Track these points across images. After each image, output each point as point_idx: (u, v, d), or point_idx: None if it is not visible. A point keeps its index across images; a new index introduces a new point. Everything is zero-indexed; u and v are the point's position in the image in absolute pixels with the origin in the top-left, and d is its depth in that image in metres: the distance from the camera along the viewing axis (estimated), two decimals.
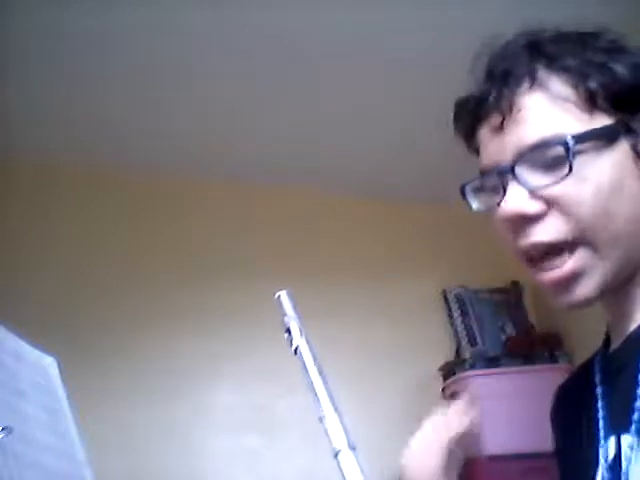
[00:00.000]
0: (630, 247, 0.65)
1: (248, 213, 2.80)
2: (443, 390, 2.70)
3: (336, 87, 2.31)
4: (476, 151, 0.73)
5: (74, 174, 2.55)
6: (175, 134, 2.49)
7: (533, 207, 0.64)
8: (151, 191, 2.67)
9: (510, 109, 0.65)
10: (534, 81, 0.65)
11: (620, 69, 0.64)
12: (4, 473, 0.58)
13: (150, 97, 2.29)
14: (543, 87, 0.65)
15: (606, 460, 0.66)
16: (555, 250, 0.65)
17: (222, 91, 2.28)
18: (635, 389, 0.64)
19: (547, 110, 0.64)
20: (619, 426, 0.65)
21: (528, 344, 2.74)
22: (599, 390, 0.71)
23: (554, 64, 0.65)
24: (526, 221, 0.65)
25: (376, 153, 2.70)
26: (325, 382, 0.71)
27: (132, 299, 2.50)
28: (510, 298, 2.94)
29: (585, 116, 0.64)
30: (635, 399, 0.63)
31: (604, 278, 0.65)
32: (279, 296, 0.80)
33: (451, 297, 2.90)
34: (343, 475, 0.60)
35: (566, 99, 0.64)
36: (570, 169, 0.62)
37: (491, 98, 0.66)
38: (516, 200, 0.65)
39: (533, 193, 0.64)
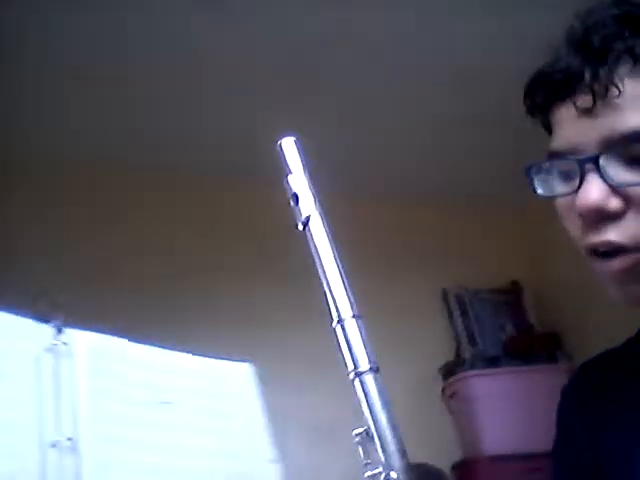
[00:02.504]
0: None
1: (248, 213, 2.79)
2: (443, 390, 2.70)
3: (337, 87, 2.31)
4: (546, 127, 0.67)
5: (75, 172, 2.55)
6: (183, 133, 2.49)
7: (613, 204, 0.59)
8: (152, 189, 2.67)
9: (606, 91, 0.57)
10: (636, 62, 0.57)
11: None
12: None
13: (151, 97, 2.29)
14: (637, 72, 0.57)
15: None
16: (626, 251, 0.60)
17: (224, 90, 2.28)
18: None
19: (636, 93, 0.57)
20: None
21: (528, 344, 2.74)
22: None
23: None
24: (602, 217, 0.59)
25: (376, 153, 2.70)
26: (342, 274, 0.59)
27: (132, 299, 2.50)
28: (510, 298, 2.94)
29: None
30: None
31: None
32: (281, 146, 0.60)
33: (451, 297, 2.90)
34: (348, 341, 0.56)
35: None
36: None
37: (586, 75, 0.59)
38: (597, 194, 0.58)
39: (615, 189, 0.58)
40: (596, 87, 0.58)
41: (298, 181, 0.59)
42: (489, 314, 2.88)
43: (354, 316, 0.58)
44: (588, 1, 0.63)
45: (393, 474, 0.50)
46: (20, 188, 2.42)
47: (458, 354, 2.79)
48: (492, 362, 2.66)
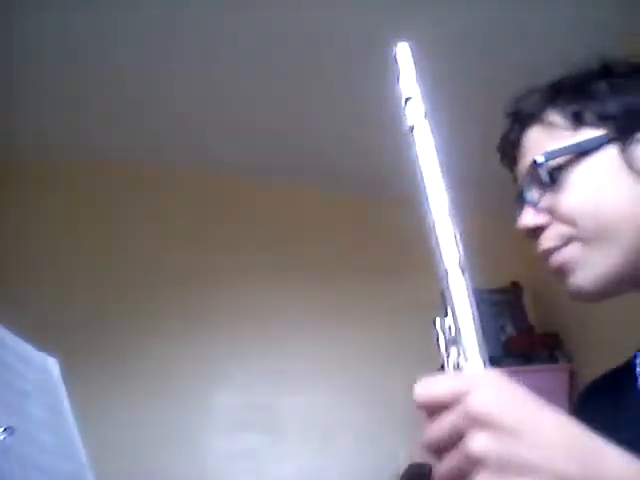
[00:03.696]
0: (625, 242, 0.71)
1: (250, 214, 2.80)
2: None
3: (343, 87, 2.31)
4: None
5: (74, 173, 2.56)
6: (184, 131, 2.49)
7: (535, 220, 0.75)
8: (154, 191, 2.67)
9: (522, 138, 0.79)
10: (536, 118, 0.77)
11: (603, 89, 0.75)
12: (7, 474, 0.58)
13: (151, 97, 2.29)
14: (542, 121, 0.77)
15: None
16: (555, 251, 0.75)
17: (227, 90, 2.28)
18: None
19: (540, 138, 0.76)
20: None
21: (528, 344, 2.74)
22: None
23: (555, 101, 0.77)
24: (535, 232, 0.76)
25: (377, 153, 2.70)
26: (445, 183, 0.59)
27: (133, 300, 2.50)
28: (510, 298, 2.94)
29: (569, 134, 0.74)
30: None
31: (596, 271, 0.72)
32: (396, 51, 0.59)
33: None
34: (451, 297, 0.56)
35: (556, 125, 0.75)
36: (551, 181, 0.73)
37: (515, 133, 0.80)
38: (524, 216, 0.76)
39: (536, 208, 0.75)
40: (517, 139, 0.79)
41: (409, 85, 0.58)
42: (489, 314, 2.88)
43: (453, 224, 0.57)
44: None
45: (473, 365, 0.53)
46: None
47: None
48: (492, 362, 2.65)
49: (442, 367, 0.57)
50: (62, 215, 2.54)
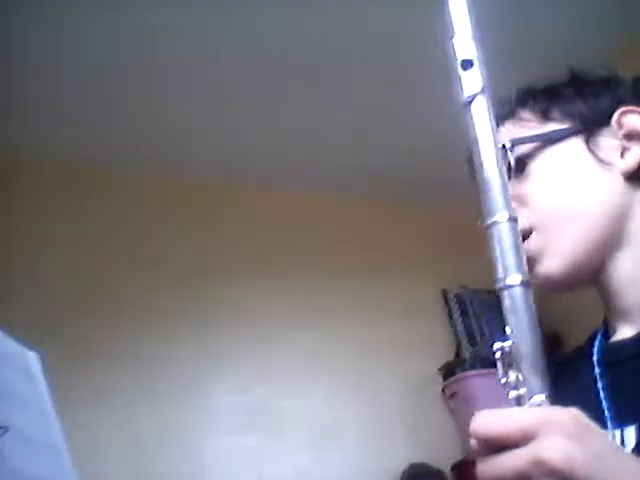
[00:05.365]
0: (588, 229, 0.73)
1: (249, 214, 2.80)
2: (443, 390, 2.70)
3: (340, 89, 2.31)
4: None
5: (74, 173, 2.55)
6: (179, 134, 2.49)
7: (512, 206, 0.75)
8: (152, 191, 2.67)
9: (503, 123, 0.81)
10: (508, 115, 0.81)
11: (570, 92, 0.79)
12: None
13: (152, 98, 2.29)
14: (513, 117, 0.81)
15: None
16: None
17: (226, 91, 2.28)
18: None
19: (510, 130, 0.79)
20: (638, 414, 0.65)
21: None
22: (599, 383, 0.72)
23: (525, 102, 0.81)
24: None
25: (377, 154, 2.70)
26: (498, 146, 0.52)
27: (132, 299, 2.50)
28: None
29: (537, 126, 0.77)
30: None
31: (563, 258, 0.73)
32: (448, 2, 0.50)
33: (451, 297, 2.90)
34: (515, 312, 0.49)
35: (525, 119, 0.79)
36: (517, 169, 0.75)
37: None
38: None
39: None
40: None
41: (468, 45, 0.49)
42: (489, 314, 2.88)
43: (510, 219, 0.51)
44: None
45: (538, 397, 0.47)
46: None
47: (458, 354, 2.79)
48: (492, 362, 2.66)
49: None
50: (59, 212, 2.54)
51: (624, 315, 0.74)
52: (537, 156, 0.76)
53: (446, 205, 2.95)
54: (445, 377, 2.71)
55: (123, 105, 2.30)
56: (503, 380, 0.50)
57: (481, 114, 0.51)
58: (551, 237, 0.74)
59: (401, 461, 2.48)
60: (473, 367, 2.62)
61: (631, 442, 0.65)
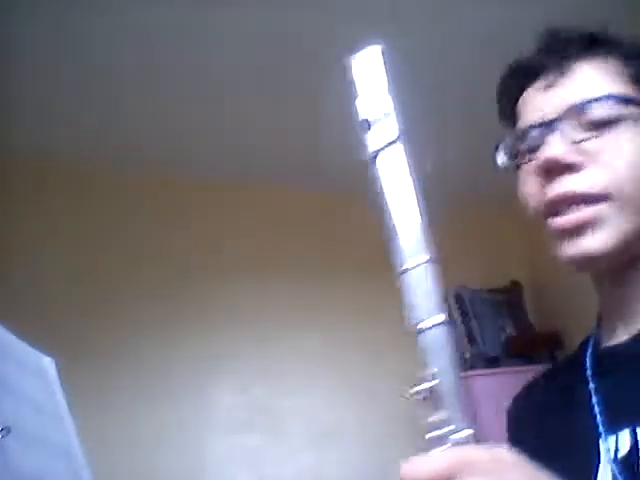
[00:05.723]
0: None
1: (249, 214, 2.80)
2: None
3: (336, 87, 2.30)
4: (510, 120, 0.76)
5: (75, 173, 2.55)
6: (179, 134, 2.49)
7: (573, 157, 0.66)
8: (152, 191, 2.67)
9: (567, 67, 0.70)
10: (593, 52, 0.70)
11: None
12: (2, 475, 0.58)
13: (152, 98, 2.29)
14: (600, 58, 0.70)
15: (615, 456, 0.64)
16: (583, 202, 0.66)
17: (226, 91, 2.28)
18: None
19: (600, 75, 0.69)
20: (634, 418, 0.64)
21: (528, 344, 2.74)
22: (592, 386, 0.70)
23: (608, 45, 0.71)
24: (563, 170, 0.66)
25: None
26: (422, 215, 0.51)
27: (132, 299, 2.50)
28: (510, 298, 2.94)
29: (631, 88, 0.68)
30: None
31: (618, 236, 0.65)
32: (358, 57, 0.48)
33: (451, 297, 2.90)
34: (432, 356, 0.50)
35: (618, 72, 0.69)
36: (615, 125, 0.66)
37: (552, 58, 0.71)
38: (557, 147, 0.66)
39: (575, 146, 0.66)
40: (558, 65, 0.70)
41: (379, 97, 0.48)
42: (489, 314, 2.88)
43: (429, 260, 0.52)
44: None
45: (464, 433, 0.48)
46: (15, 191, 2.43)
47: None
48: (492, 362, 2.66)
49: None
50: (59, 212, 2.54)
51: (631, 317, 0.70)
52: (632, 121, 0.66)
53: (446, 205, 2.95)
54: None
55: (123, 105, 2.30)
56: (429, 420, 0.50)
57: (392, 165, 0.52)
58: (620, 211, 0.65)
59: (401, 461, 2.48)
60: (473, 367, 2.62)
61: (625, 446, 0.64)
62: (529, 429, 0.79)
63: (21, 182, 2.44)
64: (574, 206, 0.66)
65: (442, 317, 0.51)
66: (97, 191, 2.60)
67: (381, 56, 0.48)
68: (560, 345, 2.72)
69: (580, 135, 0.66)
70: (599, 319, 0.78)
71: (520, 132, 0.72)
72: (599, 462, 0.66)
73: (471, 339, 2.81)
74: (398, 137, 0.49)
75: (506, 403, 0.85)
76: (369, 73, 0.48)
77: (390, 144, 0.49)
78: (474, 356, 2.71)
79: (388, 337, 2.76)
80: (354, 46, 0.50)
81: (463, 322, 2.85)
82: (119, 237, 2.57)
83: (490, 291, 2.92)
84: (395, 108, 0.48)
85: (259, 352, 2.60)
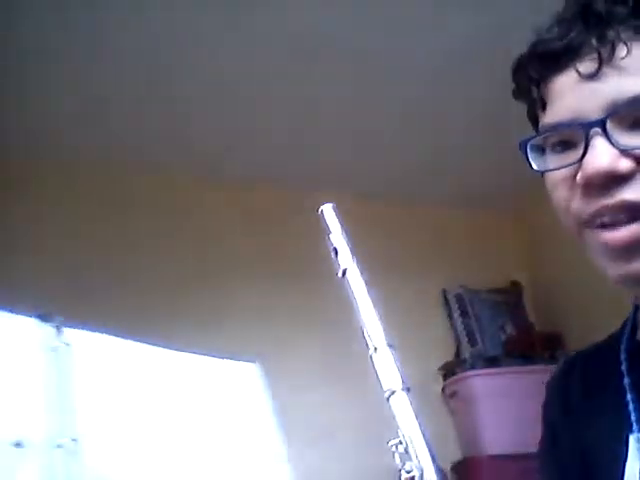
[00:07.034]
0: None
1: (249, 214, 2.80)
2: (443, 390, 2.70)
3: (342, 89, 2.31)
4: (531, 107, 0.66)
5: (74, 173, 2.55)
6: (184, 135, 2.49)
7: (624, 165, 0.56)
8: (152, 187, 2.67)
9: (612, 54, 0.56)
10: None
11: None
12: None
13: (152, 98, 2.29)
14: None
15: None
16: (635, 214, 0.57)
17: (226, 91, 2.29)
18: None
19: None
20: None
21: (528, 344, 2.74)
22: (627, 381, 0.68)
23: None
24: (613, 181, 0.56)
25: (377, 153, 2.70)
26: (376, 313, 0.70)
27: (131, 299, 2.50)
28: (510, 298, 2.94)
29: None
30: None
31: None
32: (322, 211, 0.76)
33: (451, 297, 2.90)
34: (396, 418, 0.62)
35: None
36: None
37: (591, 39, 0.57)
38: (607, 157, 0.56)
39: (624, 152, 0.56)
40: (602, 50, 0.56)
41: (337, 239, 0.74)
42: (489, 314, 2.88)
43: (388, 345, 0.68)
44: None
45: (428, 475, 0.57)
46: (20, 187, 2.43)
47: (458, 354, 2.79)
48: (492, 362, 2.66)
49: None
50: (58, 211, 2.54)
51: None
52: None
53: (446, 205, 2.95)
54: (445, 377, 2.71)
55: (123, 105, 2.30)
56: (403, 473, 0.57)
57: (354, 281, 0.74)
58: None
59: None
60: (473, 367, 2.62)
61: None
62: (563, 413, 0.78)
63: (21, 182, 2.44)
64: (623, 217, 0.57)
65: (401, 385, 0.65)
66: (96, 191, 2.60)
67: (334, 210, 0.76)
68: (560, 345, 2.72)
69: (629, 140, 0.56)
70: (636, 309, 0.72)
71: (551, 128, 0.61)
72: (626, 458, 0.65)
73: (471, 339, 2.81)
74: (353, 262, 0.75)
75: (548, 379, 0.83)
76: (332, 224, 0.76)
77: (347, 269, 0.74)
78: (474, 356, 2.71)
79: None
80: None
81: (463, 322, 2.85)
82: (119, 237, 2.57)
83: (490, 291, 2.92)
84: (348, 243, 0.74)
85: (259, 352, 2.59)
